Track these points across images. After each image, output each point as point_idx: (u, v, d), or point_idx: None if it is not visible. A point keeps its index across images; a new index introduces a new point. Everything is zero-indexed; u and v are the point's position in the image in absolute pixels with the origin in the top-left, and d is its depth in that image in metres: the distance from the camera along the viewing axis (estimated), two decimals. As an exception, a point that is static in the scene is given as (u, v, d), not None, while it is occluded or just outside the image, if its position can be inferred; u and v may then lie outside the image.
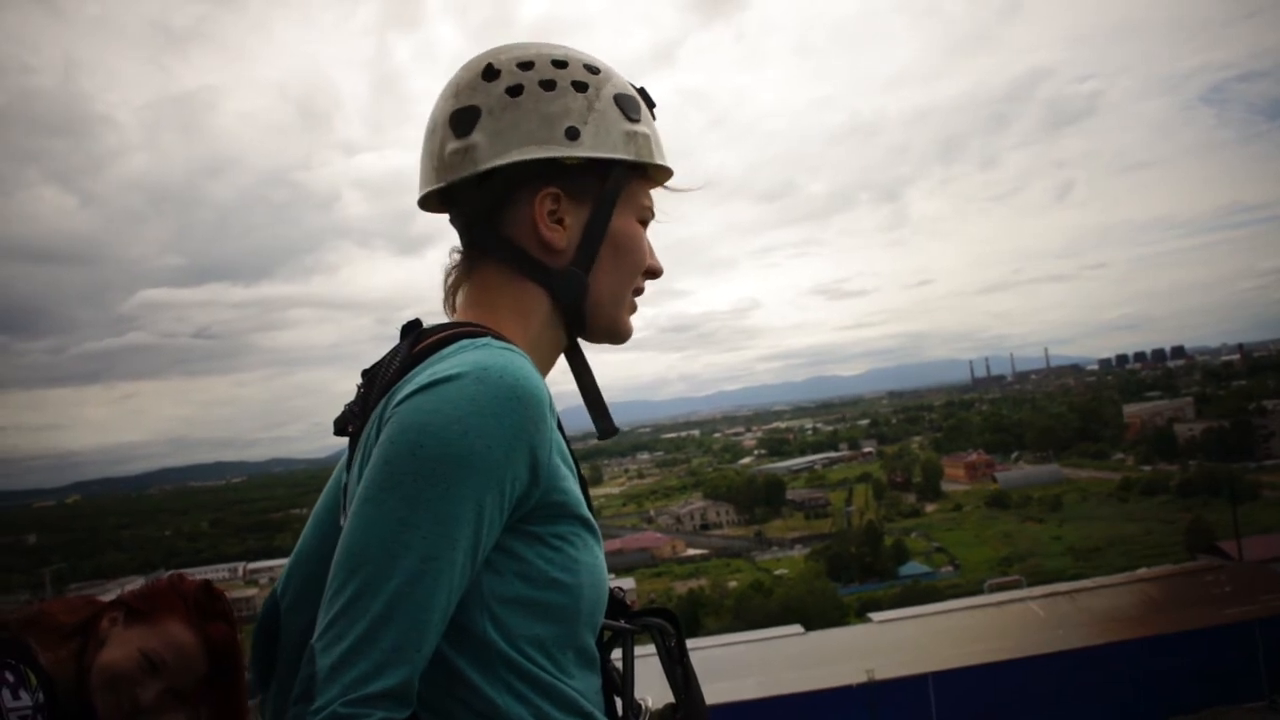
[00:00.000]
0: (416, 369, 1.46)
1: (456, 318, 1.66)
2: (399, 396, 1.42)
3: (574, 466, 1.54)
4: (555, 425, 1.47)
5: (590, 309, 1.65)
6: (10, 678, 2.04)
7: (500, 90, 1.60)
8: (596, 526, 1.56)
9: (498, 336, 1.52)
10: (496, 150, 1.59)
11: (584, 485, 1.58)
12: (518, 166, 1.59)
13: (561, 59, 1.64)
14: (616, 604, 1.69)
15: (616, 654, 1.71)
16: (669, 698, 1.71)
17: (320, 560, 1.63)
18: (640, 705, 1.67)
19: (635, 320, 1.75)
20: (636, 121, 1.65)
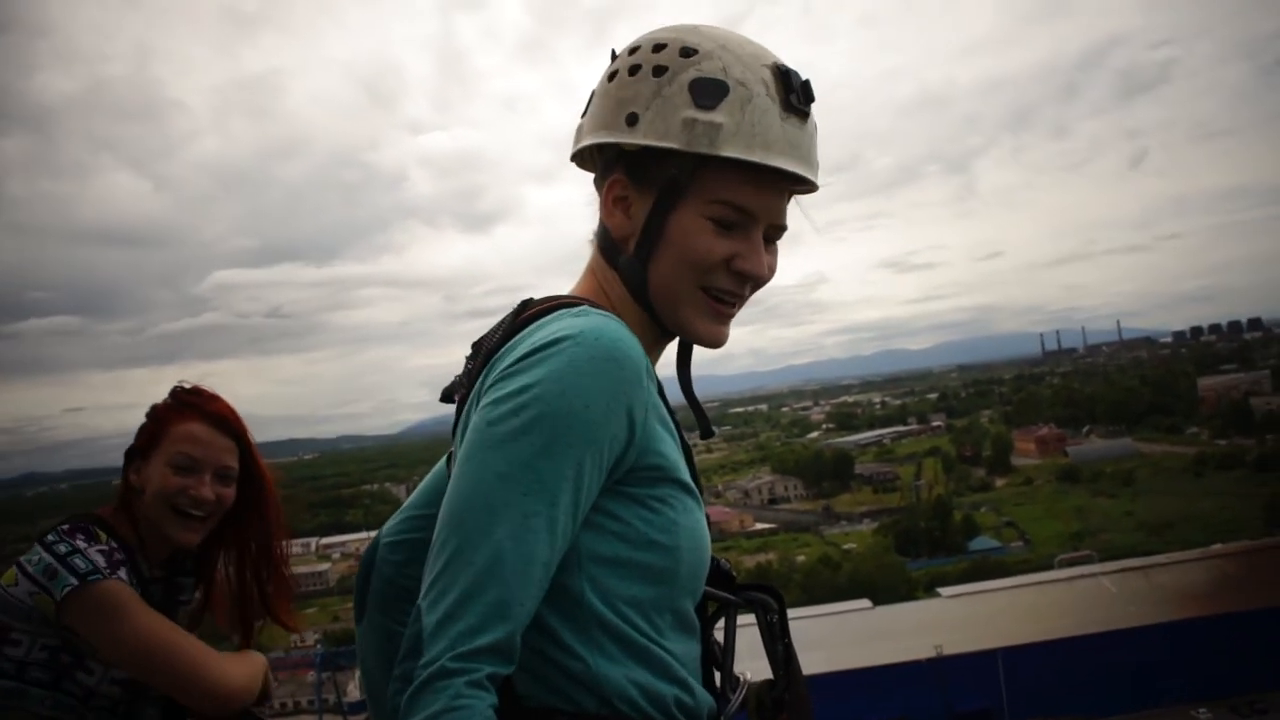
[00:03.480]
0: (517, 337, 1.51)
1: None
2: (501, 364, 1.47)
3: (675, 434, 1.57)
4: (655, 390, 1.52)
5: (653, 303, 1.61)
6: (82, 538, 2.28)
7: (605, 75, 1.64)
8: (698, 493, 1.58)
9: (595, 306, 1.56)
10: (584, 134, 1.67)
11: (688, 453, 1.60)
12: (595, 150, 1.68)
13: (665, 41, 1.59)
14: (723, 575, 1.71)
15: (718, 627, 1.73)
16: (768, 673, 1.72)
17: (426, 507, 1.82)
18: (739, 679, 1.69)
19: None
20: (710, 109, 1.51)
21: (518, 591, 1.32)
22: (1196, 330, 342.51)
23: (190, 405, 2.51)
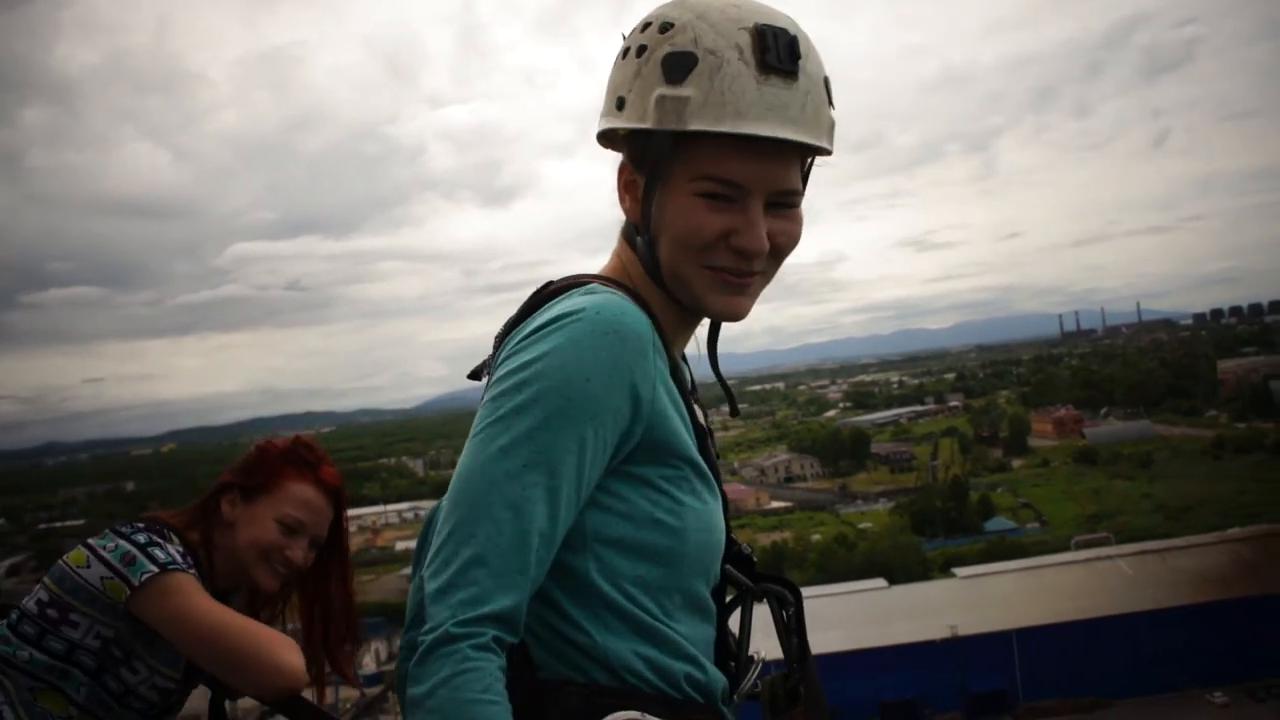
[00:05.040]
0: (529, 317, 1.52)
1: None
2: (510, 343, 1.49)
3: (687, 413, 1.57)
4: (664, 366, 1.52)
5: (666, 281, 1.58)
6: (158, 538, 2.36)
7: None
8: (709, 473, 1.57)
9: (606, 284, 1.58)
10: (599, 122, 1.65)
11: (704, 434, 1.60)
12: (603, 136, 1.65)
13: (650, 19, 1.55)
14: (744, 561, 1.73)
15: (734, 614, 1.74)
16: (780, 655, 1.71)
17: None
18: (753, 658, 1.69)
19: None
20: (678, 83, 1.46)
21: (517, 561, 1.34)
22: (1217, 312, 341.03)
23: (308, 465, 2.58)
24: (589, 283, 1.58)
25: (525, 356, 1.42)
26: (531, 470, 1.36)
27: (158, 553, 2.28)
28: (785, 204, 1.55)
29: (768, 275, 1.61)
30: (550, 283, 1.63)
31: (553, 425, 1.38)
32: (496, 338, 1.63)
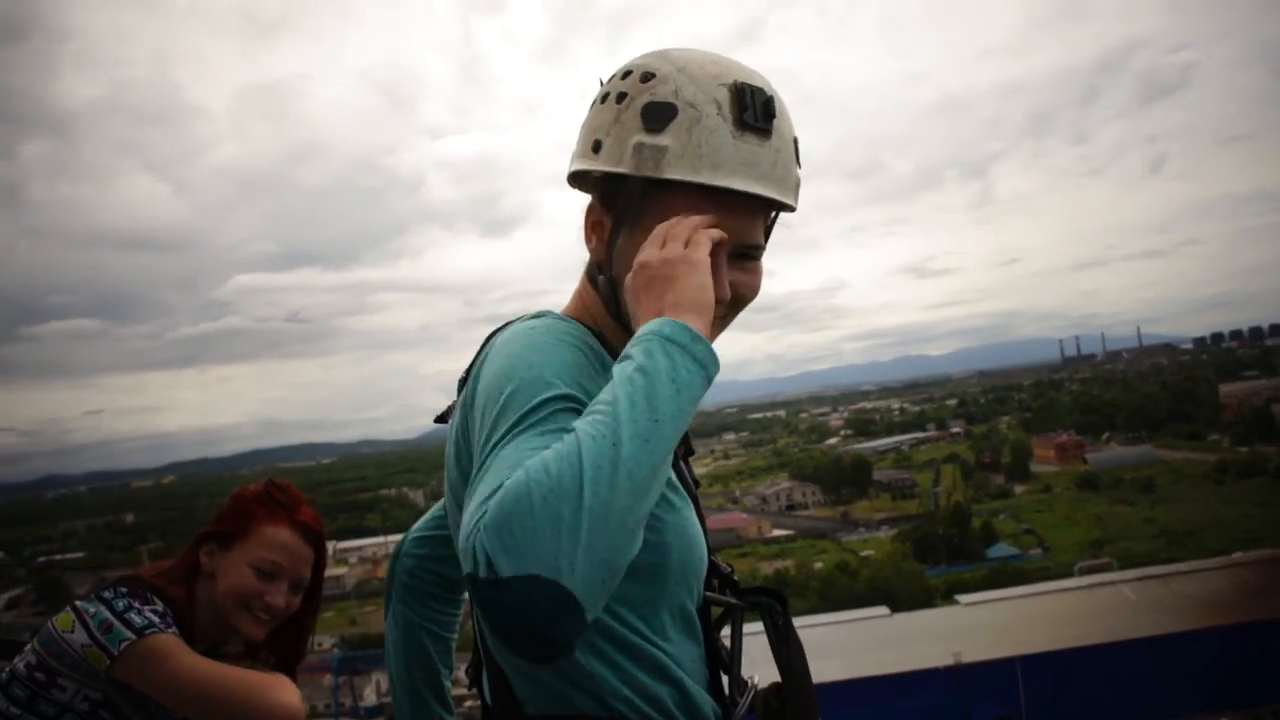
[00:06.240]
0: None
1: None
2: (473, 376, 1.55)
3: None
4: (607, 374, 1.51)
5: (628, 323, 1.54)
6: (137, 602, 2.33)
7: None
8: (683, 490, 1.60)
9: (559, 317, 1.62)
10: (570, 161, 1.71)
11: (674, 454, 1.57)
12: (574, 177, 1.72)
13: (632, 67, 1.61)
14: (725, 579, 1.73)
15: (725, 631, 1.73)
16: (775, 677, 1.71)
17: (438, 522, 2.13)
18: (747, 683, 1.68)
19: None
20: (657, 132, 1.53)
21: None
22: (1217, 336, 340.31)
23: (282, 507, 2.56)
24: (542, 313, 1.64)
25: (489, 371, 1.47)
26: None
27: (134, 618, 2.26)
28: (748, 256, 1.61)
29: (726, 321, 1.64)
30: (508, 322, 1.66)
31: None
32: (460, 380, 1.66)
